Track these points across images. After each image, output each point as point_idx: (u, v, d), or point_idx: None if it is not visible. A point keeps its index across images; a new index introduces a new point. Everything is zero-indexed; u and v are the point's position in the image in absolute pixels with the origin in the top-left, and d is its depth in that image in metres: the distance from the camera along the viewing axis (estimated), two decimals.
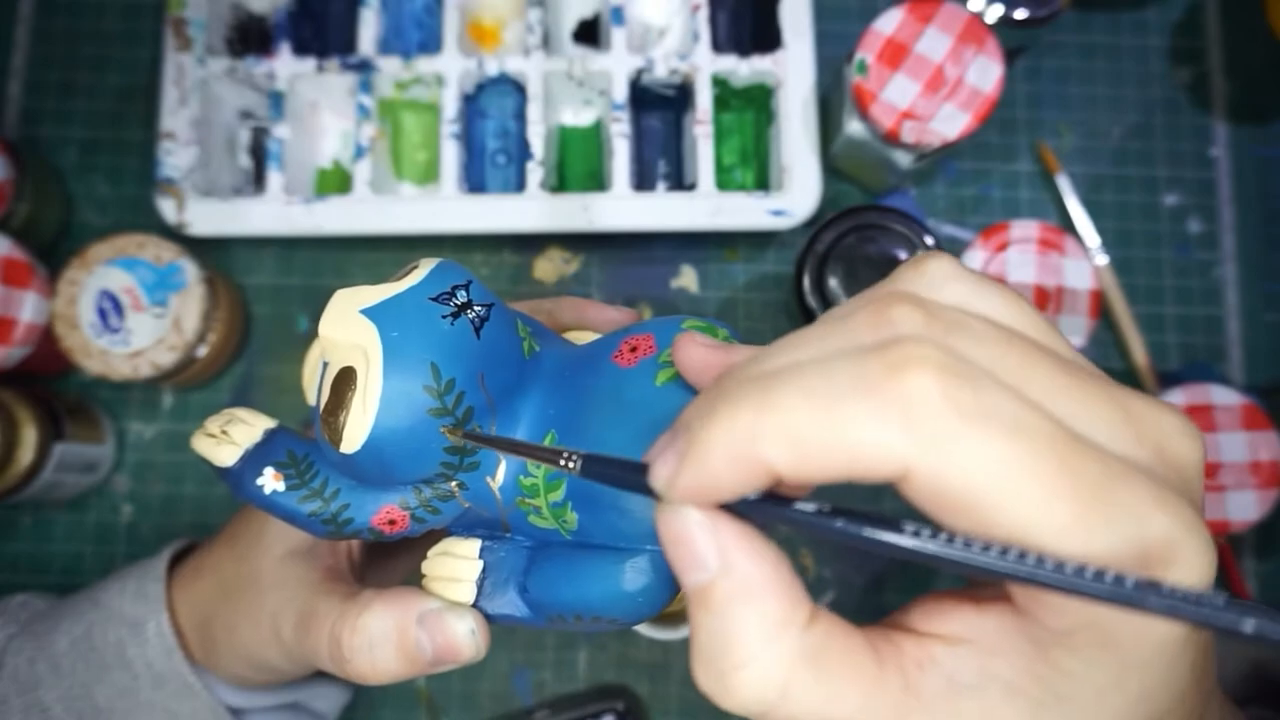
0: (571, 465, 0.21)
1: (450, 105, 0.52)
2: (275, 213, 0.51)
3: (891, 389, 0.16)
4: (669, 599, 0.24)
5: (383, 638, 0.27)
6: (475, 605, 0.26)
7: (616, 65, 0.52)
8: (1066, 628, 0.17)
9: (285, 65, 0.52)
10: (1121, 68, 0.58)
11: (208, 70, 0.52)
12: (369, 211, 0.51)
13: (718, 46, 0.54)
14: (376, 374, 0.23)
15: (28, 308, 0.47)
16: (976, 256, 0.52)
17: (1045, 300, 0.51)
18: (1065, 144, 0.57)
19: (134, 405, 0.54)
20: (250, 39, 0.56)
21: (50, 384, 0.53)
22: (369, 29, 0.53)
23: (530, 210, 0.51)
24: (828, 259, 0.47)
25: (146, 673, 0.35)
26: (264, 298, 0.55)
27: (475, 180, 0.55)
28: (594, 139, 0.56)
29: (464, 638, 0.26)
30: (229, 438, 0.27)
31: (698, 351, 0.22)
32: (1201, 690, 0.19)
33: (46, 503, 0.52)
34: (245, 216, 0.51)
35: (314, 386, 0.26)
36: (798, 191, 0.51)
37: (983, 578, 0.16)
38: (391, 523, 0.26)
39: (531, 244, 0.56)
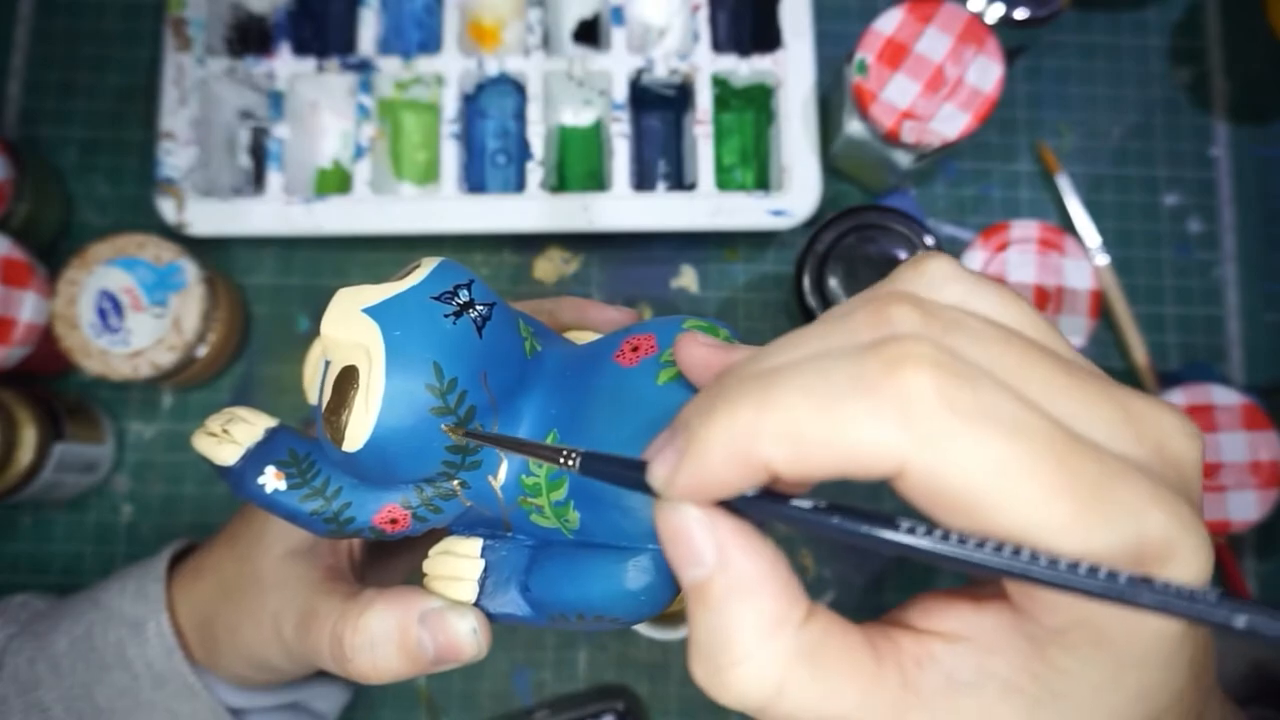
0: (571, 463, 0.21)
1: (450, 105, 0.52)
2: (275, 213, 0.51)
3: (888, 387, 0.16)
4: (671, 598, 0.24)
5: (384, 637, 0.27)
6: (477, 604, 0.26)
7: (616, 65, 0.52)
8: (1061, 625, 0.17)
9: (285, 65, 0.52)
10: (1121, 68, 0.58)
11: (207, 70, 0.52)
12: (369, 211, 0.51)
13: (718, 46, 0.54)
14: (379, 373, 0.23)
15: (27, 308, 0.47)
16: (976, 256, 0.52)
17: (1045, 300, 0.51)
18: (1065, 144, 0.57)
19: (134, 405, 0.54)
20: (250, 39, 0.56)
21: (50, 384, 0.53)
22: (369, 29, 0.53)
23: (530, 210, 0.51)
24: (828, 259, 0.47)
25: (147, 673, 0.35)
26: (264, 298, 0.55)
27: (475, 180, 0.55)
28: (594, 139, 0.56)
29: (466, 637, 0.26)
30: (230, 436, 0.27)
31: (699, 351, 0.22)
32: (1200, 688, 0.19)
33: (46, 503, 0.52)
34: (245, 216, 0.51)
35: (315, 385, 0.26)
36: (798, 191, 0.51)
37: (977, 574, 0.16)
38: (393, 521, 0.26)
39: (531, 244, 0.56)
